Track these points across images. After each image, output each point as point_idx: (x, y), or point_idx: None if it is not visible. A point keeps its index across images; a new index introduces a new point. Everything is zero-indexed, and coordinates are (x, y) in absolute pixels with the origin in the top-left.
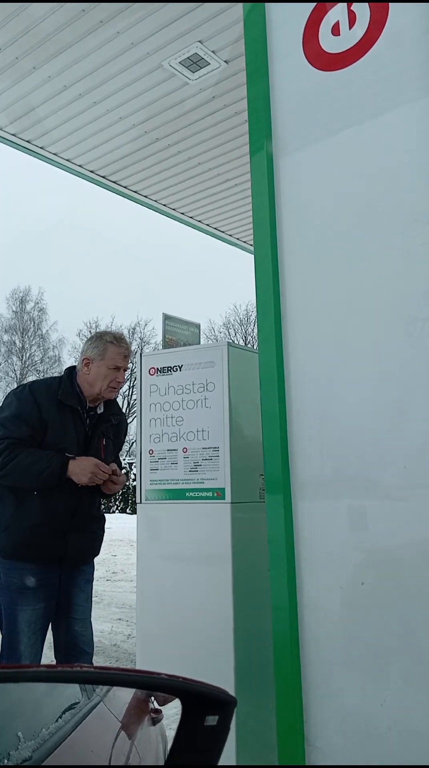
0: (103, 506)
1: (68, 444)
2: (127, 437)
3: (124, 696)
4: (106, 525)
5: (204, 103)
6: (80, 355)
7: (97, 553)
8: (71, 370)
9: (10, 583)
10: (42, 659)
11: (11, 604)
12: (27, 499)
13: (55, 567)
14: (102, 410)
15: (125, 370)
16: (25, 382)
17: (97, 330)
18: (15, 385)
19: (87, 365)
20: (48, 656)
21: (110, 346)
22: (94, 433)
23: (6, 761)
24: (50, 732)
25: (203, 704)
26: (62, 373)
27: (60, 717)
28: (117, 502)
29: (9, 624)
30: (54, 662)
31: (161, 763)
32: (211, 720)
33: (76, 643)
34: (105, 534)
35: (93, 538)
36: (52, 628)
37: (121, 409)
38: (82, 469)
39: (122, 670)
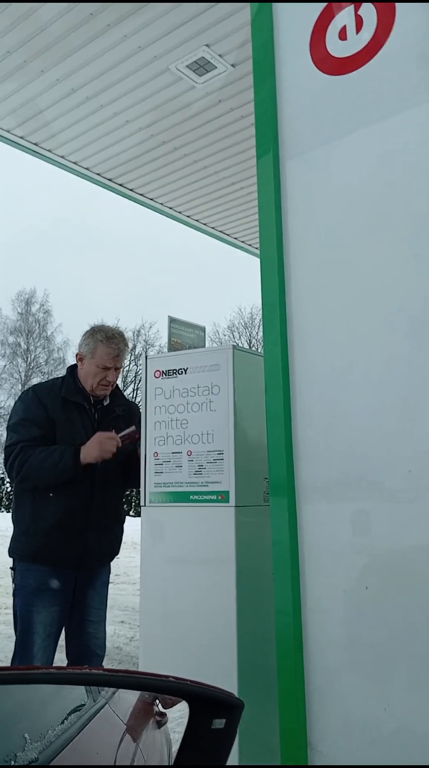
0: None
1: (77, 439)
2: None
3: (129, 698)
4: None
5: (210, 107)
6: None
7: (115, 553)
8: (74, 368)
9: (26, 585)
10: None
11: (26, 605)
12: (43, 501)
13: (71, 570)
14: (108, 402)
15: (118, 369)
16: (28, 385)
17: (94, 324)
18: (20, 387)
19: (80, 360)
20: (58, 657)
21: (100, 345)
22: (100, 426)
23: (13, 762)
24: (56, 734)
25: (210, 707)
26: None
27: (66, 719)
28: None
29: (23, 625)
30: (64, 664)
31: (165, 765)
32: (219, 723)
33: (88, 645)
34: None
35: (112, 539)
36: (65, 629)
37: (127, 399)
38: (91, 447)
39: (130, 673)
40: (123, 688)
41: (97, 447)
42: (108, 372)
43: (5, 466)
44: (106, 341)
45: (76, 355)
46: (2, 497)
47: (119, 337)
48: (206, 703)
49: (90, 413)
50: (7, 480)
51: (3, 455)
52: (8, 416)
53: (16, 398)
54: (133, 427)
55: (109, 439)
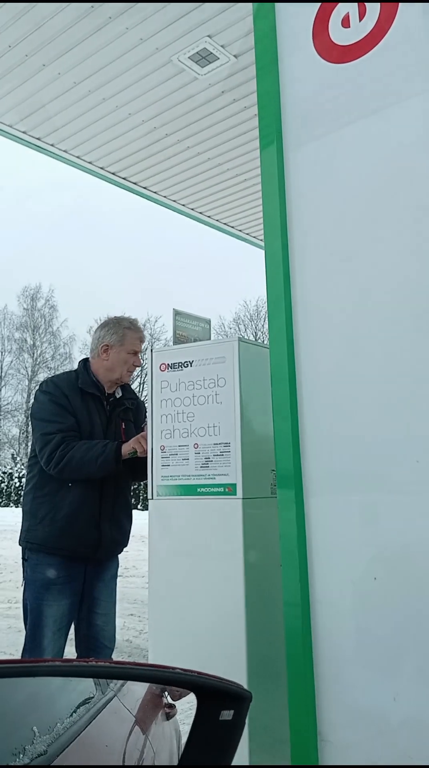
0: (132, 490)
1: (95, 430)
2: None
3: (138, 691)
4: None
5: (213, 98)
6: (96, 342)
7: (126, 544)
8: (85, 361)
9: (37, 578)
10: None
11: (37, 599)
12: (61, 491)
13: (84, 561)
14: (120, 395)
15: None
16: (35, 381)
17: (109, 317)
18: (26, 382)
19: (106, 351)
20: (67, 651)
21: (128, 332)
22: (112, 418)
23: (22, 755)
24: (65, 726)
25: (218, 699)
26: (75, 367)
27: (74, 711)
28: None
29: (34, 619)
30: (74, 656)
31: (176, 757)
32: (227, 715)
33: (96, 638)
34: None
35: (123, 530)
36: (74, 622)
37: (135, 393)
38: (128, 444)
39: (138, 665)
40: (131, 680)
41: (133, 442)
42: (136, 357)
43: (41, 453)
44: (133, 327)
45: (101, 346)
46: (10, 493)
47: (139, 322)
48: (214, 695)
49: (103, 405)
50: (16, 476)
51: (39, 443)
52: (30, 410)
53: (35, 390)
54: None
55: (144, 438)
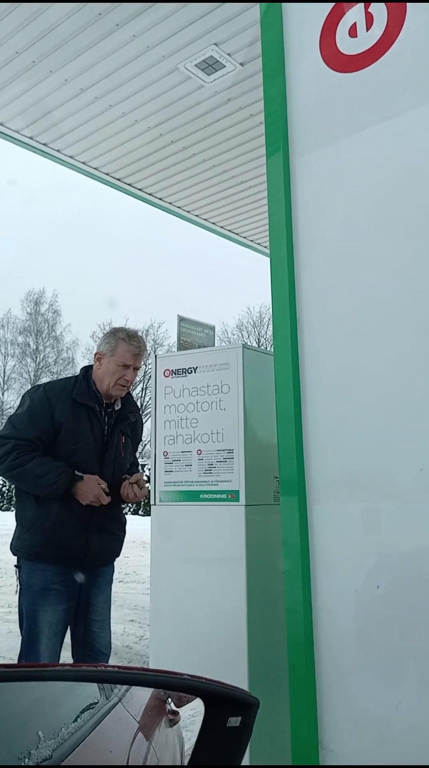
0: (124, 508)
1: (83, 443)
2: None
3: (142, 697)
4: None
5: (219, 106)
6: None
7: (118, 554)
8: (87, 369)
9: (32, 584)
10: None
11: (33, 605)
12: (47, 500)
13: (77, 568)
14: (120, 407)
15: (136, 369)
16: (40, 383)
17: (112, 326)
18: (29, 386)
19: (99, 360)
20: (63, 656)
21: (121, 343)
22: (113, 432)
23: (27, 760)
24: (70, 731)
25: (226, 705)
26: (78, 372)
27: (79, 717)
28: (130, 504)
29: (30, 624)
30: (69, 662)
31: (179, 764)
32: (234, 721)
33: (92, 644)
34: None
35: (114, 539)
36: (70, 629)
37: (137, 406)
38: (84, 492)
39: (146, 671)
40: (140, 686)
41: (89, 499)
42: (127, 371)
43: None
44: (128, 339)
45: (95, 354)
46: (11, 497)
47: (140, 337)
48: (221, 701)
49: (100, 416)
50: None
51: None
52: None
53: (27, 390)
54: (141, 473)
55: (104, 497)
